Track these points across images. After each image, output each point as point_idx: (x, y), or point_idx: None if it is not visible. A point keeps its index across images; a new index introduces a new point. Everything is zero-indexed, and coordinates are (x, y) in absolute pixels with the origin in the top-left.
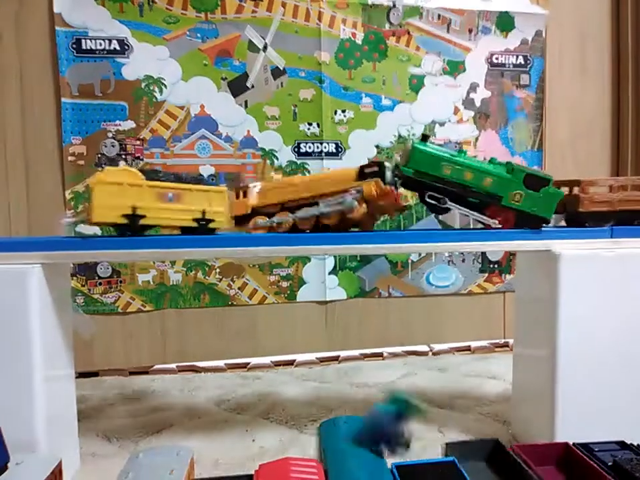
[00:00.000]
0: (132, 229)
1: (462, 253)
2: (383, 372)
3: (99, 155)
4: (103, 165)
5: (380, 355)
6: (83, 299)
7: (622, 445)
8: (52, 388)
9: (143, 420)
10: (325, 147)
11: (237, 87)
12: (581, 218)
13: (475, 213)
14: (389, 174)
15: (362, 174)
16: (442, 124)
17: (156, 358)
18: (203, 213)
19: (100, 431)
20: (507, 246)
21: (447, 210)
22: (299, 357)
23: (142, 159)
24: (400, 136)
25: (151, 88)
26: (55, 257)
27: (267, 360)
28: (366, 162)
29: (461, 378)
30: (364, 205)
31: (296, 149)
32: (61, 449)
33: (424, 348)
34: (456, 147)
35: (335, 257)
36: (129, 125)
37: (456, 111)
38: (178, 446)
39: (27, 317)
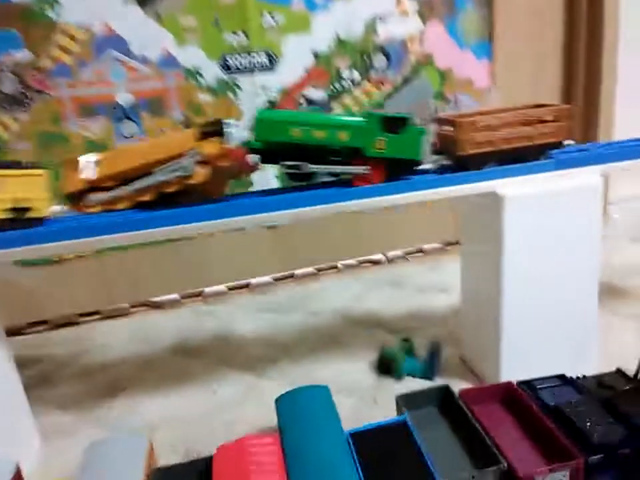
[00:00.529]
0: None
1: None
2: (337, 294)
3: None
4: (5, 105)
5: (335, 267)
6: None
7: (564, 379)
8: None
9: (98, 381)
10: (256, 59)
11: None
12: (461, 161)
13: (341, 168)
14: (231, 131)
15: (201, 134)
16: (383, 19)
17: (105, 301)
18: (16, 201)
19: (54, 400)
20: (450, 192)
21: (311, 175)
22: (253, 280)
23: (47, 93)
24: (340, 39)
25: (42, 7)
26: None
27: (221, 287)
28: (303, 73)
29: (413, 294)
30: (206, 168)
31: (223, 64)
32: (14, 439)
33: (378, 257)
34: (399, 45)
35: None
36: (25, 55)
37: (398, 3)
38: (133, 434)
39: None
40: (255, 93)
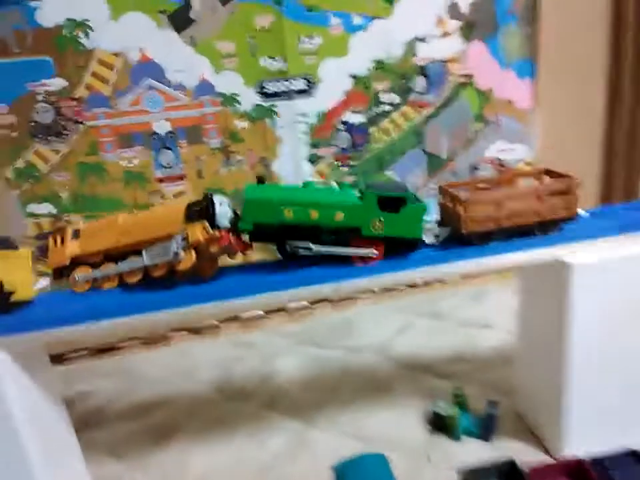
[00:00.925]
0: None
1: None
2: (376, 326)
3: (32, 124)
4: (40, 135)
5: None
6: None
7: (635, 455)
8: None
9: (145, 424)
10: (293, 84)
11: (180, 20)
12: (465, 238)
13: (342, 249)
14: (221, 210)
15: (188, 214)
16: (424, 40)
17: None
18: (1, 285)
19: (103, 445)
20: (509, 261)
21: (309, 254)
22: (291, 304)
23: (83, 123)
24: (378, 61)
25: (75, 34)
26: (26, 342)
27: (259, 312)
28: (341, 97)
29: (455, 328)
30: (193, 254)
31: (260, 90)
32: None
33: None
34: (441, 65)
35: None
36: (59, 82)
37: (439, 22)
38: None
39: (7, 419)
40: (293, 118)
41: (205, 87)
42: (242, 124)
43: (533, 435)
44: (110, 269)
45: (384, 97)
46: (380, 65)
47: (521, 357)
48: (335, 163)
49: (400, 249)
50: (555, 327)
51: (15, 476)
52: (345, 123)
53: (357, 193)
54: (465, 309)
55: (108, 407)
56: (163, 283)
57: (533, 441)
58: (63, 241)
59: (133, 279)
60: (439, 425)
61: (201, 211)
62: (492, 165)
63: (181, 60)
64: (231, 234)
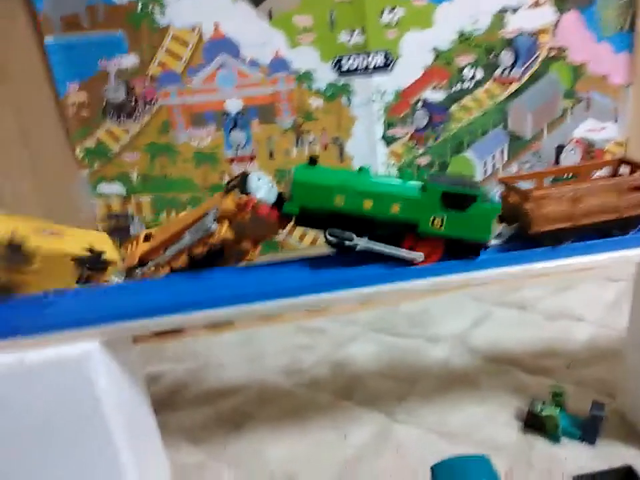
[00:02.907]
0: None
1: (533, 166)
2: (454, 316)
3: (105, 102)
4: (111, 114)
5: None
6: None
7: None
8: (142, 459)
9: (217, 409)
10: (372, 60)
11: None
12: (534, 239)
13: (391, 248)
14: (258, 184)
15: (226, 190)
16: (515, 10)
17: None
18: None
19: (177, 430)
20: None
21: (354, 248)
22: None
23: (155, 102)
24: (463, 34)
25: (150, 9)
26: (116, 332)
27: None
28: (421, 73)
29: (542, 321)
30: (226, 227)
31: (337, 66)
32: None
33: None
34: (530, 38)
35: None
36: (132, 60)
37: None
38: None
39: (98, 406)
40: (369, 97)
41: (279, 64)
42: (316, 102)
43: None
44: (160, 257)
45: (467, 73)
46: (464, 38)
47: (632, 355)
48: (410, 143)
49: (462, 252)
50: None
51: (103, 460)
52: (423, 100)
53: (418, 185)
54: (549, 300)
55: (178, 390)
56: (208, 264)
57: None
58: (136, 244)
59: (177, 264)
60: (536, 424)
61: (237, 184)
62: (579, 146)
63: (256, 35)
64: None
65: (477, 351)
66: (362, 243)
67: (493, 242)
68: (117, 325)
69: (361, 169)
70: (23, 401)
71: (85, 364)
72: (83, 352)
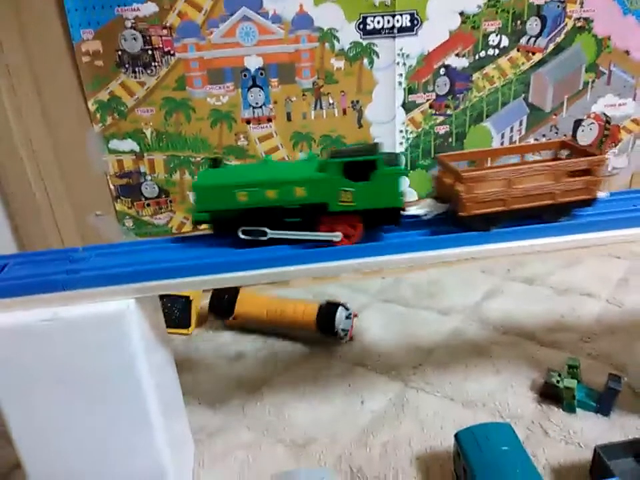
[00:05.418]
0: None
1: (550, 139)
2: (463, 288)
3: (119, 52)
4: (126, 66)
5: None
6: (132, 221)
7: None
8: (168, 420)
9: (231, 374)
10: (398, 21)
11: None
12: (463, 221)
13: (304, 234)
14: (340, 315)
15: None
16: None
17: None
18: None
19: (198, 396)
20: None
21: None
22: None
23: (173, 54)
24: None
25: None
26: (150, 289)
27: None
28: (446, 38)
29: (552, 295)
30: None
31: (361, 26)
32: (182, 460)
33: None
34: (558, 6)
35: (405, 155)
36: (150, 8)
37: None
38: (319, 470)
39: (132, 362)
40: (392, 59)
41: (302, 20)
42: (338, 63)
43: None
44: None
45: (492, 39)
46: (493, 2)
47: None
48: (430, 110)
49: (381, 222)
50: None
51: (134, 416)
52: (446, 66)
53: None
54: (558, 275)
55: (194, 354)
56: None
57: None
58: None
59: None
60: (551, 395)
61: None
62: (597, 120)
63: None
64: None
65: (488, 323)
66: (274, 235)
67: (420, 214)
68: (153, 283)
69: (264, 160)
70: (57, 355)
71: (122, 320)
72: (119, 308)
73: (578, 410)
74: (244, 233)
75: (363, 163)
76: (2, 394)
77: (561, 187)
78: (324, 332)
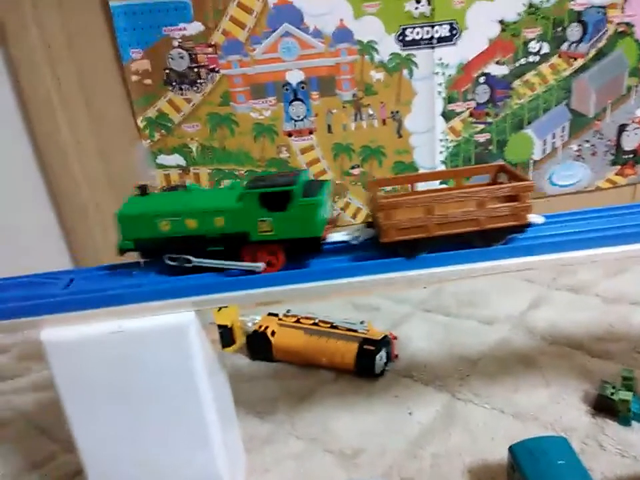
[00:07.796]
0: None
1: (593, 145)
2: (508, 298)
3: (167, 71)
4: (174, 83)
5: None
6: None
7: None
8: (224, 430)
9: (275, 384)
10: (437, 31)
11: None
12: (386, 248)
13: (226, 263)
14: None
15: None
16: None
17: None
18: None
19: (245, 403)
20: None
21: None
22: None
23: (217, 71)
24: (531, 5)
25: None
26: (208, 302)
27: None
28: (485, 46)
29: (600, 305)
30: None
31: (400, 37)
32: (236, 470)
33: None
34: (599, 12)
35: (444, 163)
36: (196, 27)
37: None
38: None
39: (192, 372)
40: (431, 69)
41: (342, 34)
42: (377, 75)
43: None
44: None
45: (532, 46)
46: (533, 10)
47: None
48: (470, 119)
49: (302, 250)
50: None
51: (194, 433)
52: (486, 75)
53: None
54: (605, 284)
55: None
56: None
57: None
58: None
59: None
60: (605, 408)
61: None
62: None
63: (320, 3)
64: None
65: (535, 333)
66: (198, 263)
67: (349, 240)
68: (211, 296)
69: (189, 188)
70: (121, 366)
71: (185, 331)
72: (182, 320)
73: (633, 423)
74: (170, 259)
75: (279, 193)
76: (68, 404)
77: (485, 213)
78: (362, 374)
